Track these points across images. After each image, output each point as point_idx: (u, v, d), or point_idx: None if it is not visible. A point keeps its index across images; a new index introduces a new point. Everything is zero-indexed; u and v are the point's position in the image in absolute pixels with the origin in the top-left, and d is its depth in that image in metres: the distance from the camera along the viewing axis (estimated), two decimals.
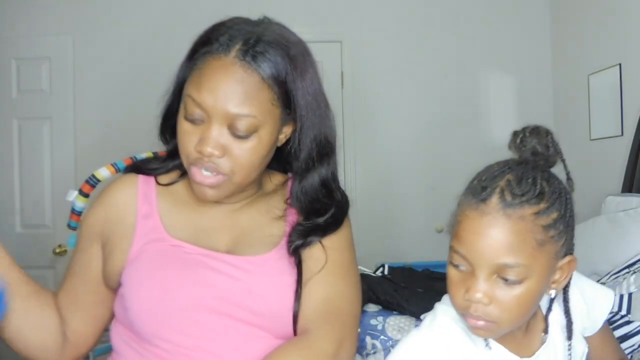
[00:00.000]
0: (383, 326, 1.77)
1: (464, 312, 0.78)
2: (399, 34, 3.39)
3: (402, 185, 3.37)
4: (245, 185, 0.89)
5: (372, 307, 1.93)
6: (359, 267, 2.48)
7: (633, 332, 1.48)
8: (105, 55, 3.21)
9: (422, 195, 3.37)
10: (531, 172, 0.78)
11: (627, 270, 1.72)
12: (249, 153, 0.83)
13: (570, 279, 0.85)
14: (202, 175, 0.83)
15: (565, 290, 0.86)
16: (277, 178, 1.00)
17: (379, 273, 2.36)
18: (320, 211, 0.92)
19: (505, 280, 0.74)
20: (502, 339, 0.82)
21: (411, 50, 3.39)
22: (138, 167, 0.96)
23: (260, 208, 0.95)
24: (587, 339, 0.91)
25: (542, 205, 0.75)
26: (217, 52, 0.82)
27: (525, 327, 0.85)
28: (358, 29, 3.37)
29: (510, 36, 3.45)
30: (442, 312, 0.85)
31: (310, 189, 0.92)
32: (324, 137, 0.93)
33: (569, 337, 0.86)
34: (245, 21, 0.87)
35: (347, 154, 3.36)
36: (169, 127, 0.92)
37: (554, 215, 0.76)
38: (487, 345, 0.82)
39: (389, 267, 2.41)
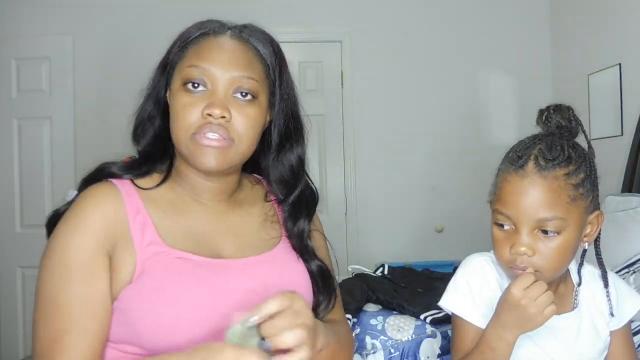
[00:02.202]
0: (383, 326, 1.77)
1: (510, 266, 0.89)
2: (399, 34, 3.39)
3: (402, 185, 3.37)
4: (244, 159, 0.90)
5: (372, 307, 1.93)
6: (359, 267, 2.48)
7: (633, 332, 1.48)
8: (105, 55, 3.22)
9: (422, 195, 3.37)
10: (558, 141, 0.90)
11: (627, 270, 1.72)
12: (250, 118, 0.86)
13: (600, 232, 0.97)
14: (209, 138, 0.83)
15: (597, 244, 0.99)
16: (248, 179, 1.02)
17: (379, 273, 2.36)
18: (295, 185, 0.98)
19: (546, 232, 0.86)
20: None
21: (411, 50, 3.40)
22: (109, 173, 0.88)
23: (250, 211, 0.96)
24: (610, 334, 0.99)
25: (571, 167, 0.88)
26: (212, 33, 0.88)
27: (554, 291, 0.95)
28: (358, 29, 3.37)
29: (510, 36, 3.45)
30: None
31: (288, 163, 0.97)
32: (296, 114, 0.97)
33: (606, 285, 0.99)
34: (220, 21, 0.92)
35: (347, 154, 3.36)
36: (143, 132, 0.92)
37: (582, 175, 0.88)
38: None
39: (389, 267, 2.41)
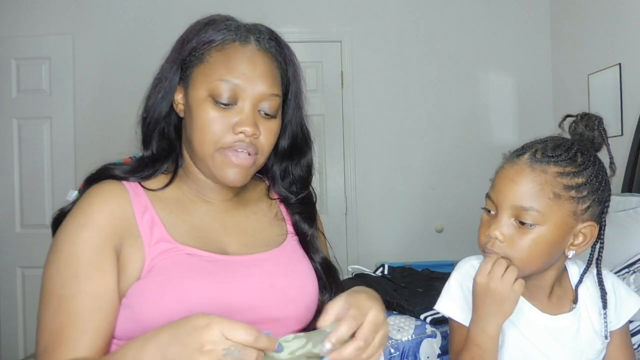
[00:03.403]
0: None
1: (483, 248, 0.92)
2: (399, 34, 3.39)
3: (402, 185, 3.37)
4: (258, 170, 0.91)
5: None
6: (359, 267, 2.48)
7: (633, 332, 1.48)
8: (105, 55, 3.22)
9: (422, 195, 3.37)
10: (571, 144, 0.91)
11: (627, 270, 1.72)
12: (273, 133, 0.88)
13: (601, 250, 0.95)
14: (238, 157, 0.84)
15: (598, 263, 0.98)
16: (253, 178, 1.01)
17: (379, 273, 2.36)
18: (308, 185, 1.00)
19: (522, 223, 0.88)
20: (527, 298, 0.95)
21: (411, 50, 3.40)
22: (112, 175, 0.87)
23: (255, 209, 0.97)
24: (609, 335, 0.99)
25: (569, 169, 0.88)
26: (238, 39, 0.87)
27: (549, 292, 0.96)
28: (358, 29, 3.37)
29: (510, 36, 3.45)
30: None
31: (306, 164, 0.99)
32: (306, 119, 0.99)
33: (604, 306, 0.97)
34: (231, 17, 0.92)
35: (347, 154, 3.36)
36: (153, 132, 0.91)
37: (580, 180, 0.88)
38: None
39: (389, 267, 2.41)
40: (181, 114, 0.90)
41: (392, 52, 3.39)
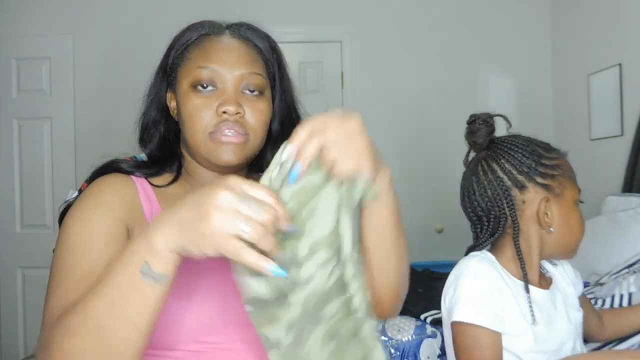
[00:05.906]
0: (383, 326, 1.77)
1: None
2: (398, 34, 3.40)
3: (402, 185, 3.36)
4: (257, 152, 0.91)
5: None
6: None
7: (633, 332, 1.48)
8: (105, 55, 3.22)
9: (422, 195, 3.37)
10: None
11: (627, 270, 1.72)
12: (261, 112, 0.88)
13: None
14: (227, 135, 0.84)
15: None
16: (253, 176, 1.02)
17: None
18: None
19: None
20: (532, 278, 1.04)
21: (411, 50, 3.40)
22: (118, 168, 0.89)
23: None
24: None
25: None
26: (213, 33, 0.89)
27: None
28: (358, 29, 3.37)
29: (510, 36, 3.45)
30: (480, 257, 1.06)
31: None
32: (295, 106, 0.99)
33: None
34: (209, 20, 0.93)
35: None
36: (150, 136, 0.93)
37: None
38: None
39: None
40: (176, 118, 0.91)
41: (392, 53, 3.39)
